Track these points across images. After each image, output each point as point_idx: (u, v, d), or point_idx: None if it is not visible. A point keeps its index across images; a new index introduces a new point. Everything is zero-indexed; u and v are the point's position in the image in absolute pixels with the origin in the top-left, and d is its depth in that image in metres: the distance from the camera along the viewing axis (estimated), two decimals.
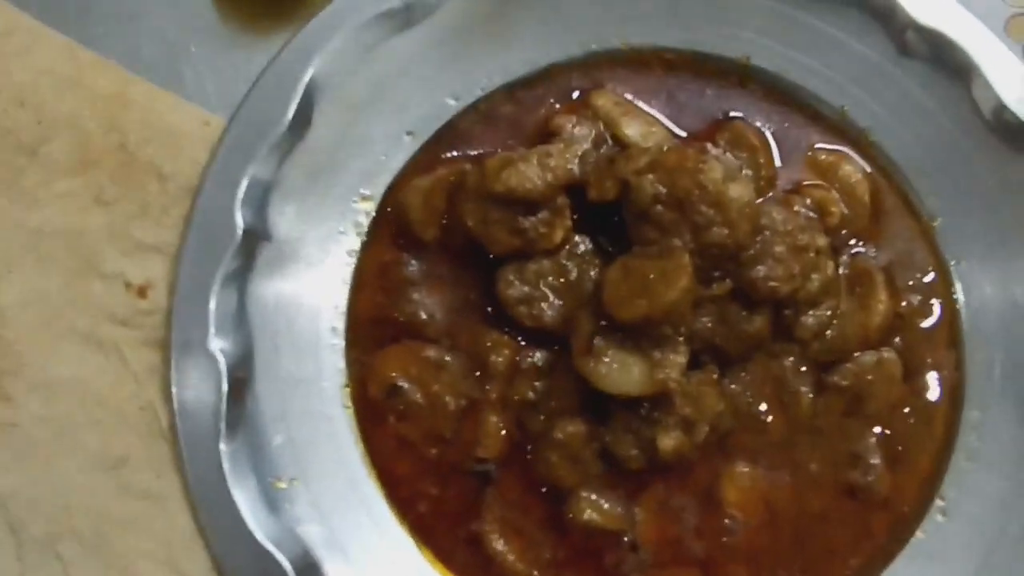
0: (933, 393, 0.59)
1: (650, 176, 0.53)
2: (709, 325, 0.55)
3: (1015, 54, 0.58)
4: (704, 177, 0.53)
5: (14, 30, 0.54)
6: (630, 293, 0.52)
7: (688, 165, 0.53)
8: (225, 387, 0.52)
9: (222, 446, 0.51)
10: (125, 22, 0.60)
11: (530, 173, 0.54)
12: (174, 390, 0.53)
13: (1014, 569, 0.56)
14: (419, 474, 0.55)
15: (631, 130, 0.59)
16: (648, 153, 0.55)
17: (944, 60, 0.57)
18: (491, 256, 0.56)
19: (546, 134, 0.59)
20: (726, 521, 0.56)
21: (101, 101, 0.54)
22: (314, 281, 0.56)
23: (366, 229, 0.57)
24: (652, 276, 0.52)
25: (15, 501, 0.51)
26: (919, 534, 0.57)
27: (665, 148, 0.55)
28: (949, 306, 0.60)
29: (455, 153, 0.59)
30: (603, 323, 0.53)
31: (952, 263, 0.60)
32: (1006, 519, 0.56)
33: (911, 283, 0.60)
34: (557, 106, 0.60)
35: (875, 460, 0.57)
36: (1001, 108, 0.57)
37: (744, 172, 0.59)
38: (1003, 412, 0.58)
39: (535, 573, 0.55)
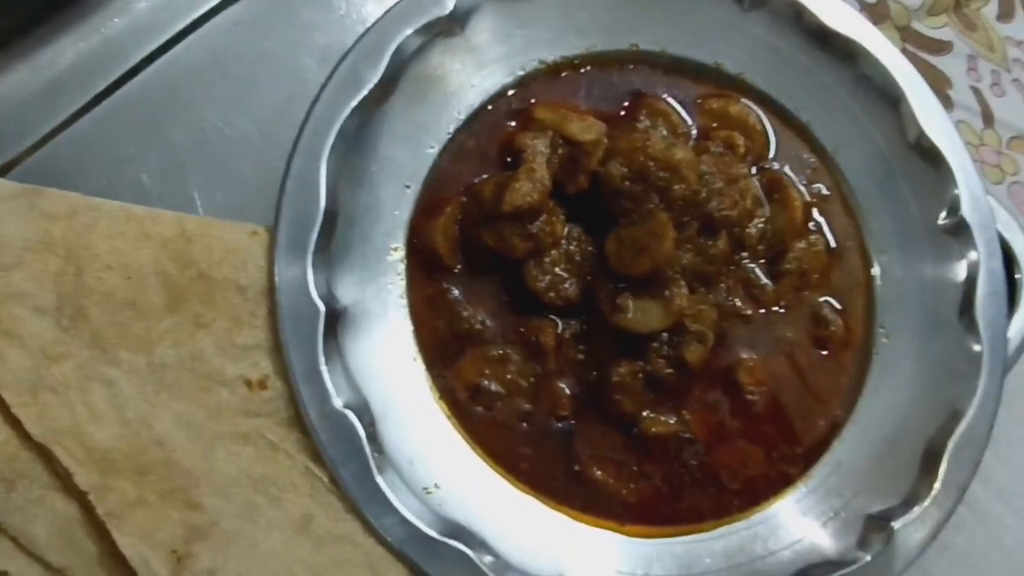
0: (850, 253, 0.75)
1: (614, 162, 0.67)
2: (689, 258, 0.69)
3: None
4: (653, 150, 0.66)
5: (76, 209, 0.60)
6: (632, 255, 0.65)
7: (637, 145, 0.66)
8: (361, 432, 0.61)
9: (378, 479, 0.61)
10: (122, 166, 0.67)
11: (525, 190, 0.65)
12: (323, 449, 0.61)
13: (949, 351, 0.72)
14: (516, 443, 0.67)
15: (574, 127, 0.70)
16: (600, 145, 0.69)
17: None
18: (510, 261, 0.68)
19: (510, 152, 0.70)
20: (748, 397, 0.70)
21: (168, 243, 0.62)
22: (386, 327, 0.66)
23: (405, 274, 0.67)
24: (643, 237, 0.66)
25: None
26: (875, 356, 0.72)
27: (614, 136, 0.70)
28: (836, 184, 0.77)
29: (449, 190, 0.70)
30: (619, 284, 0.66)
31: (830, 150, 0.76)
32: (929, 325, 0.74)
33: (805, 176, 0.76)
34: (510, 126, 0.72)
35: (830, 315, 0.73)
36: None
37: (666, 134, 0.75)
38: (898, 250, 0.75)
39: (631, 485, 0.67)
